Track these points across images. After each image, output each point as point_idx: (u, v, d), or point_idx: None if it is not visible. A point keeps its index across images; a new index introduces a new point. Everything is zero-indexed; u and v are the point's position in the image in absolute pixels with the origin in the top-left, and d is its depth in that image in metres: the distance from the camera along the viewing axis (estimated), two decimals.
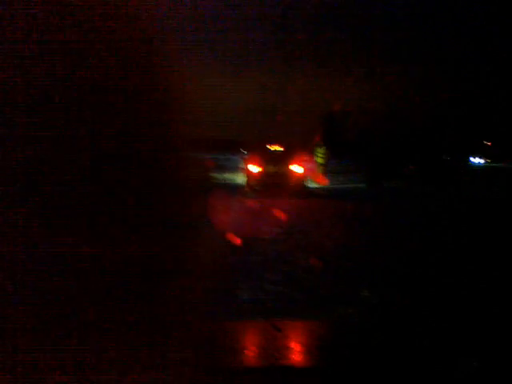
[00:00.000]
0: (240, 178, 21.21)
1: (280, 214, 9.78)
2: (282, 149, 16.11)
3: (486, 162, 33.87)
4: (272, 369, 1.04)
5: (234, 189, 16.99)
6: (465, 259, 6.28)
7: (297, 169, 14.98)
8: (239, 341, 1.36)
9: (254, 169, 15.18)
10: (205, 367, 1.05)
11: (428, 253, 6.68)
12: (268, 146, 16.42)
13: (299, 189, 14.64)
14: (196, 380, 0.98)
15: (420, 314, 4.08)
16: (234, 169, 28.67)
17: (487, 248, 7.07)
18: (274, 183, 14.54)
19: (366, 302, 4.33)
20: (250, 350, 1.21)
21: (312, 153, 19.50)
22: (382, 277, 5.29)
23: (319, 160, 18.56)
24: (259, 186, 14.84)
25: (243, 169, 17.84)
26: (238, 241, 6.96)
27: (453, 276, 5.40)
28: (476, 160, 34.85)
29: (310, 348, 1.20)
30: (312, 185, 16.86)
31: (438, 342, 1.32)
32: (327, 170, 20.22)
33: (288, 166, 14.95)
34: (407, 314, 4.11)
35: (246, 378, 0.99)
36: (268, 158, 15.22)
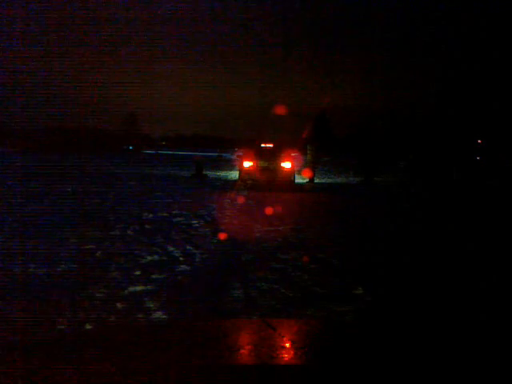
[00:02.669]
0: (233, 174, 21.35)
1: (271, 211, 9.80)
2: (272, 145, 16.44)
3: None
4: (266, 367, 1.05)
5: (227, 184, 17.10)
6: (455, 254, 6.35)
7: (286, 164, 15.36)
8: (234, 339, 1.37)
9: (246, 164, 15.52)
10: (199, 365, 1.06)
11: (419, 248, 6.73)
12: (260, 143, 16.72)
13: (288, 183, 15.12)
14: (190, 377, 1.00)
15: (413, 311, 4.12)
16: (227, 165, 28.64)
17: (471, 242, 7.14)
18: (265, 178, 15.04)
19: (359, 300, 4.35)
20: (245, 349, 1.22)
21: (302, 149, 19.61)
22: (376, 274, 5.32)
23: (309, 156, 18.66)
24: (251, 181, 15.31)
25: (236, 165, 18.41)
26: (231, 239, 6.99)
27: (445, 272, 5.45)
28: None
29: (304, 346, 1.22)
30: (301, 180, 17.15)
31: (432, 340, 1.34)
32: (317, 165, 20.30)
33: (278, 162, 15.32)
34: (401, 311, 4.14)
35: (239, 375, 1.00)
36: (259, 155, 15.57)
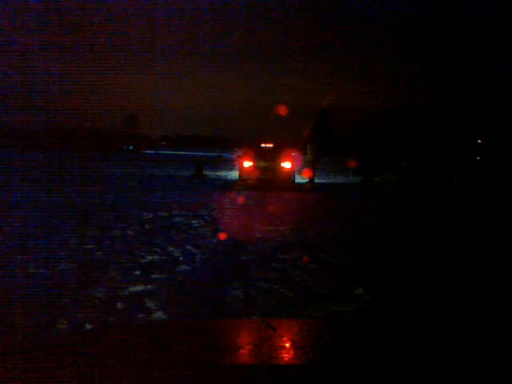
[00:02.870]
0: (233, 174, 21.39)
1: (271, 210, 9.81)
2: (272, 145, 16.45)
3: None
4: (266, 367, 1.05)
5: (227, 184, 17.11)
6: (455, 254, 6.35)
7: (286, 164, 15.38)
8: (234, 339, 1.37)
9: (246, 164, 15.54)
10: (199, 365, 1.06)
11: (419, 248, 6.73)
12: (260, 143, 16.73)
13: (288, 183, 15.13)
14: (190, 377, 1.00)
15: (413, 311, 4.12)
16: (227, 165, 28.63)
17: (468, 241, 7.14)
18: (265, 178, 15.05)
19: (359, 300, 4.35)
20: (245, 349, 1.22)
21: (302, 149, 19.63)
22: (376, 274, 5.32)
23: (309, 156, 18.67)
24: (251, 180, 15.33)
25: (236, 165, 18.51)
26: (231, 239, 6.99)
27: (445, 272, 5.45)
28: None
29: (304, 346, 1.22)
30: (301, 180, 17.16)
31: (432, 339, 1.34)
32: (317, 165, 20.31)
33: (278, 162, 15.33)
34: (401, 311, 4.14)
35: (239, 375, 1.00)
36: (259, 154, 15.58)
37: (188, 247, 6.33)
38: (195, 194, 13.36)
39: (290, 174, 15.50)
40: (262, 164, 15.31)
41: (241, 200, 12.04)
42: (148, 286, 4.58)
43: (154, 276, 4.93)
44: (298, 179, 16.62)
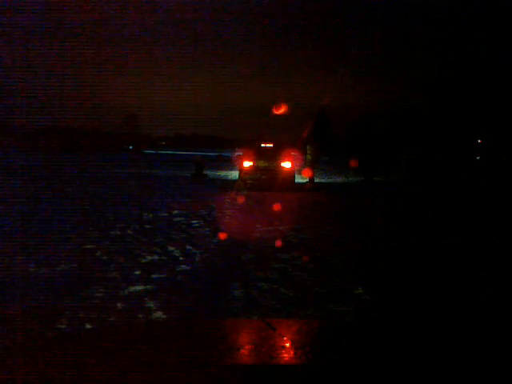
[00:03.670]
0: (233, 174, 21.39)
1: (271, 210, 9.80)
2: (272, 145, 16.43)
3: None
4: (266, 367, 1.05)
5: (227, 184, 17.09)
6: (455, 255, 6.35)
7: (286, 164, 15.38)
8: (234, 339, 1.37)
9: (246, 164, 15.53)
10: (199, 365, 1.06)
11: (419, 248, 6.73)
12: (260, 143, 16.71)
13: (288, 183, 15.12)
14: (190, 377, 1.00)
15: (413, 311, 4.12)
16: (227, 165, 28.61)
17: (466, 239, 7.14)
18: (265, 178, 15.04)
19: (359, 300, 4.35)
20: (245, 349, 1.22)
21: (302, 149, 19.61)
22: (376, 274, 5.32)
23: (309, 156, 18.65)
24: (251, 181, 15.31)
25: (236, 165, 18.54)
26: (231, 239, 6.99)
27: (445, 272, 5.45)
28: None
29: (304, 346, 1.22)
30: (301, 179, 17.15)
31: (432, 339, 1.34)
32: (317, 165, 20.29)
33: (278, 162, 15.33)
34: (401, 311, 4.14)
35: (239, 375, 1.00)
36: (259, 154, 15.57)
37: (188, 247, 6.33)
38: (195, 194, 13.35)
39: (290, 174, 15.49)
40: (262, 164, 15.30)
41: (241, 200, 12.03)
42: (148, 286, 4.58)
43: (153, 276, 4.93)
44: (298, 179, 16.62)
